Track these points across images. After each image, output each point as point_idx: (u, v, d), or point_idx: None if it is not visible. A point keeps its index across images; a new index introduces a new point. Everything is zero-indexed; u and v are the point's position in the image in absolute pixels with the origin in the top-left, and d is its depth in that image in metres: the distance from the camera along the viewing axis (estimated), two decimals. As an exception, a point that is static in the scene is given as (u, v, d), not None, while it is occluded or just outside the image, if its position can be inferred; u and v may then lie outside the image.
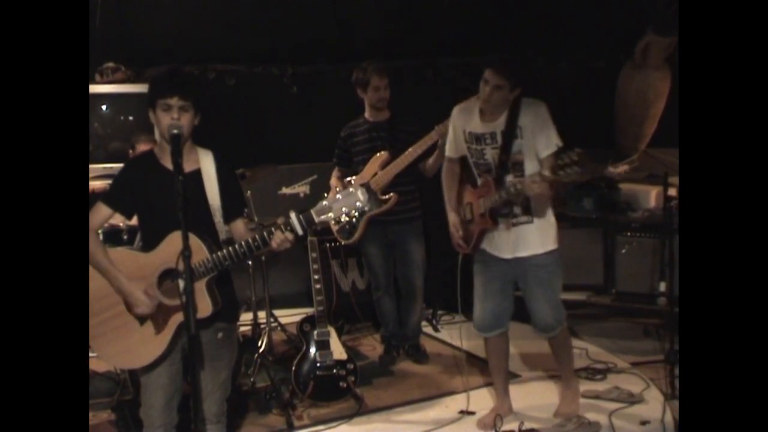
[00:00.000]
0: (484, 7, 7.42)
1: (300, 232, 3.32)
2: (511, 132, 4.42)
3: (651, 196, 6.62)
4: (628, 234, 6.39)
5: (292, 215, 3.31)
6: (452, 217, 4.72)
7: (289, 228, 3.31)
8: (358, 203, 3.25)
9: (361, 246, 5.89)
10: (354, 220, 5.47)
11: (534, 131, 4.40)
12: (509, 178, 4.45)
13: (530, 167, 4.44)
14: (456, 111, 4.71)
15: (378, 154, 5.61)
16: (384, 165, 5.56)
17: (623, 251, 6.39)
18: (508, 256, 4.56)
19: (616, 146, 8.22)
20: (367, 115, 5.76)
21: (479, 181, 4.61)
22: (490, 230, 4.56)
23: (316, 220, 3.29)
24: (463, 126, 4.62)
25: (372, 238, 5.79)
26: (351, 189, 3.27)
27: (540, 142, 4.40)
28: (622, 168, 7.02)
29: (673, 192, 5.75)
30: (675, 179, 6.68)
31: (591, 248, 6.56)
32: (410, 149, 5.45)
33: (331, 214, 3.27)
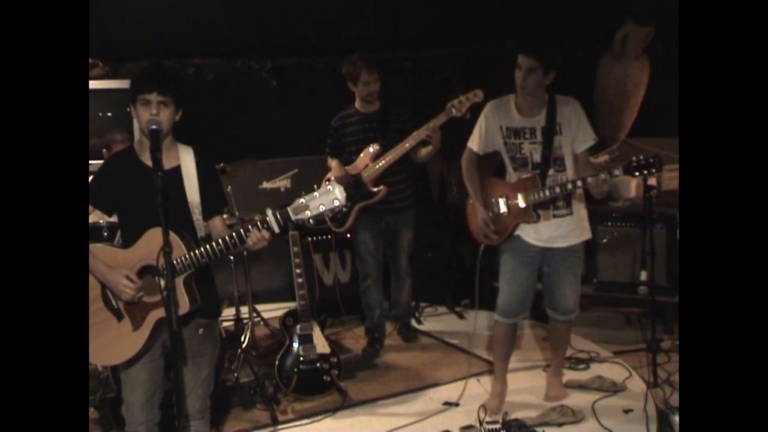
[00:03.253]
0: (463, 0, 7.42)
1: (276, 230, 3.30)
2: (551, 128, 4.54)
3: (631, 186, 6.65)
4: (609, 224, 6.42)
5: (269, 213, 3.29)
6: (481, 212, 4.72)
7: (265, 226, 3.29)
8: (335, 201, 3.22)
9: (354, 234, 5.96)
10: (345, 209, 5.61)
11: (572, 127, 4.54)
12: (551, 173, 4.56)
13: (568, 161, 4.57)
14: (490, 107, 4.75)
15: (370, 147, 5.69)
16: (375, 157, 5.66)
17: (604, 241, 6.42)
18: (545, 245, 4.64)
19: (596, 136, 8.25)
20: (357, 105, 5.83)
21: (515, 176, 4.65)
22: (528, 222, 4.62)
23: (293, 218, 3.26)
24: (498, 122, 4.66)
25: (365, 227, 5.88)
26: (329, 186, 3.24)
27: (578, 138, 4.55)
28: (603, 158, 7.05)
29: (653, 182, 5.77)
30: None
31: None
32: (401, 144, 5.54)
33: (308, 213, 3.24)
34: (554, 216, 4.61)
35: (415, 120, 5.56)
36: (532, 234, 4.65)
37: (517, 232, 4.68)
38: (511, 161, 4.67)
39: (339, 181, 5.61)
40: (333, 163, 5.86)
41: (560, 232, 4.61)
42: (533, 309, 5.03)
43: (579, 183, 4.37)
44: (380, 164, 5.62)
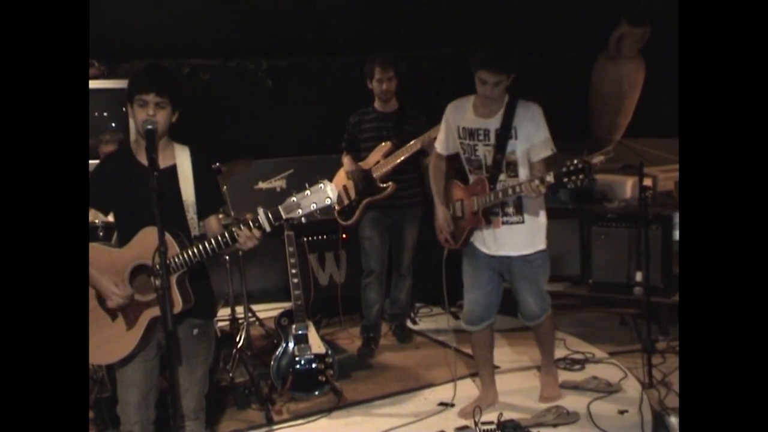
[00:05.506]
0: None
1: (268, 228, 3.31)
2: (506, 132, 4.44)
3: (626, 187, 6.66)
4: (604, 224, 6.43)
5: (260, 212, 3.30)
6: (442, 211, 4.73)
7: (257, 225, 3.30)
8: (327, 200, 3.24)
9: (360, 229, 6.00)
10: (354, 203, 5.73)
11: (529, 134, 4.43)
12: (502, 178, 4.49)
13: (522, 168, 4.48)
14: (450, 108, 4.71)
15: (382, 144, 5.80)
16: (387, 155, 5.78)
17: (599, 242, 6.42)
18: (495, 253, 4.61)
19: (591, 137, 8.26)
20: (376, 104, 5.92)
21: (471, 178, 4.64)
22: (480, 228, 4.58)
23: (284, 216, 3.27)
24: (456, 122, 4.62)
25: (373, 223, 5.94)
26: (321, 185, 3.25)
27: (535, 146, 4.43)
28: (598, 159, 7.04)
29: (648, 182, 5.77)
30: (650, 169, 6.73)
31: (567, 239, 6.60)
32: (411, 143, 5.64)
33: (299, 211, 3.25)
34: (503, 223, 4.55)
35: (431, 122, 5.64)
36: (482, 241, 4.63)
37: (471, 239, 4.66)
38: (467, 162, 4.64)
39: (351, 174, 5.80)
40: (346, 158, 5.95)
41: (509, 240, 4.56)
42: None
43: (517, 188, 4.28)
44: (390, 162, 5.73)
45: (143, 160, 3.38)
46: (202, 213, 3.54)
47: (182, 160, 3.51)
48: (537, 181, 4.17)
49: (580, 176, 4.06)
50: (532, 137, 4.42)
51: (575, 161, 4.07)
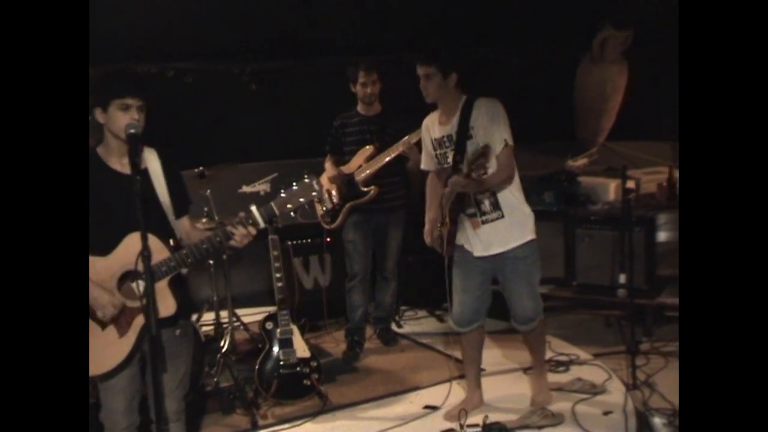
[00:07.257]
0: (446, 3, 7.43)
1: (261, 224, 3.37)
2: (462, 133, 4.41)
3: (610, 189, 6.70)
4: (588, 227, 6.45)
5: (253, 208, 3.36)
6: (428, 219, 4.78)
7: (250, 222, 3.33)
8: (313, 193, 3.35)
9: (344, 233, 6.00)
10: (338, 207, 5.75)
11: (486, 130, 4.36)
12: None
13: (490, 167, 4.39)
14: (423, 124, 4.73)
15: (365, 148, 5.79)
16: (369, 159, 5.76)
17: (583, 244, 6.45)
18: (482, 254, 4.56)
19: (576, 140, 8.31)
20: (358, 108, 5.92)
21: None
22: (454, 231, 4.56)
23: (277, 212, 3.35)
24: (430, 135, 4.65)
25: (356, 226, 5.94)
26: (306, 180, 3.35)
27: (493, 141, 4.34)
28: (582, 161, 7.10)
29: (631, 184, 5.80)
30: (633, 172, 6.77)
31: (552, 241, 6.60)
32: (392, 147, 5.63)
33: (289, 206, 3.35)
34: (483, 222, 4.52)
35: (414, 126, 5.61)
36: (470, 244, 4.60)
37: (461, 242, 4.63)
38: (444, 172, 4.59)
39: (333, 180, 5.81)
40: (328, 163, 5.95)
41: (494, 237, 4.51)
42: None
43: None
44: (373, 165, 5.72)
45: (115, 165, 3.38)
46: (176, 214, 3.53)
47: (152, 162, 3.49)
48: (461, 176, 4.26)
49: (481, 159, 4.13)
50: (489, 131, 4.36)
51: (480, 147, 4.19)
